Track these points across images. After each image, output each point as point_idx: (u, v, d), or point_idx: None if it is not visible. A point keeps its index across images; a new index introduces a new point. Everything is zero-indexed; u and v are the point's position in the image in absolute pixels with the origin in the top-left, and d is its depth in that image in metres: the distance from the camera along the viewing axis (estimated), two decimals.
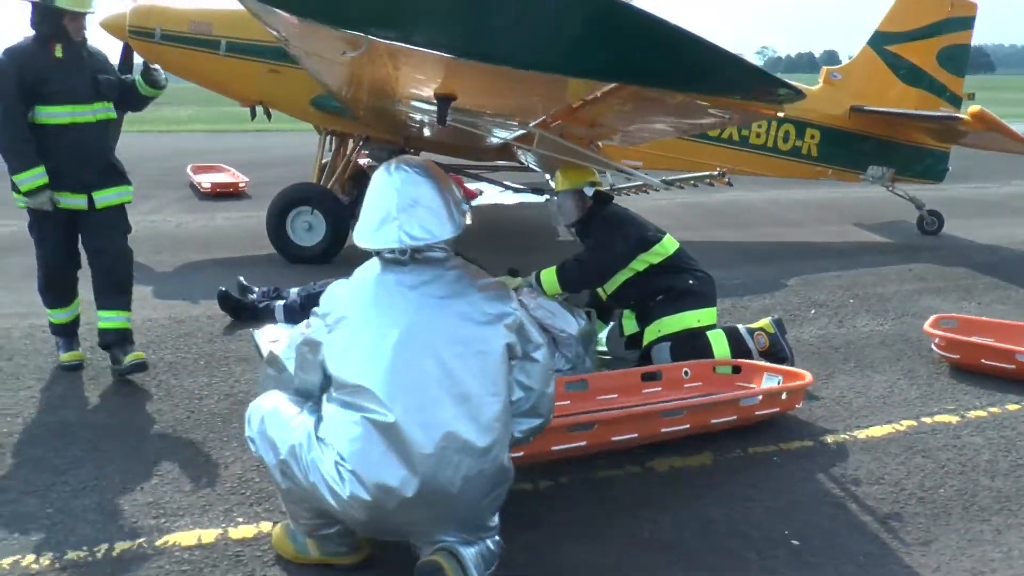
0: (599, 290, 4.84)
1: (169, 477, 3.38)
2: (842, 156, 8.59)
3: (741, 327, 4.66)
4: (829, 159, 8.62)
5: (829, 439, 3.88)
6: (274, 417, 2.62)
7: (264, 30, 7.22)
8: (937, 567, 2.86)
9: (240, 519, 3.06)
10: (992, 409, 4.24)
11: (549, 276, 4.61)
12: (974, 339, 4.76)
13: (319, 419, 2.53)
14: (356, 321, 2.51)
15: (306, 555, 2.72)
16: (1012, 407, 4.27)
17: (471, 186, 10.54)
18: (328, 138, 8.14)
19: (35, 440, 3.69)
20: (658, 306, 4.64)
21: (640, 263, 4.63)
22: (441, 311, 2.51)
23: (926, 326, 4.91)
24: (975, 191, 12.81)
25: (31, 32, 4.28)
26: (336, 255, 7.16)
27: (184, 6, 7.47)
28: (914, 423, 4.07)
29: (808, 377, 4.03)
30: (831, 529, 3.10)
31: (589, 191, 4.76)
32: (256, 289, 5.77)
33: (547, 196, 4.95)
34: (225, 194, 10.66)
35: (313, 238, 7.17)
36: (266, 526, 2.99)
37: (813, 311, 5.98)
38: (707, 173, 7.37)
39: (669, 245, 4.68)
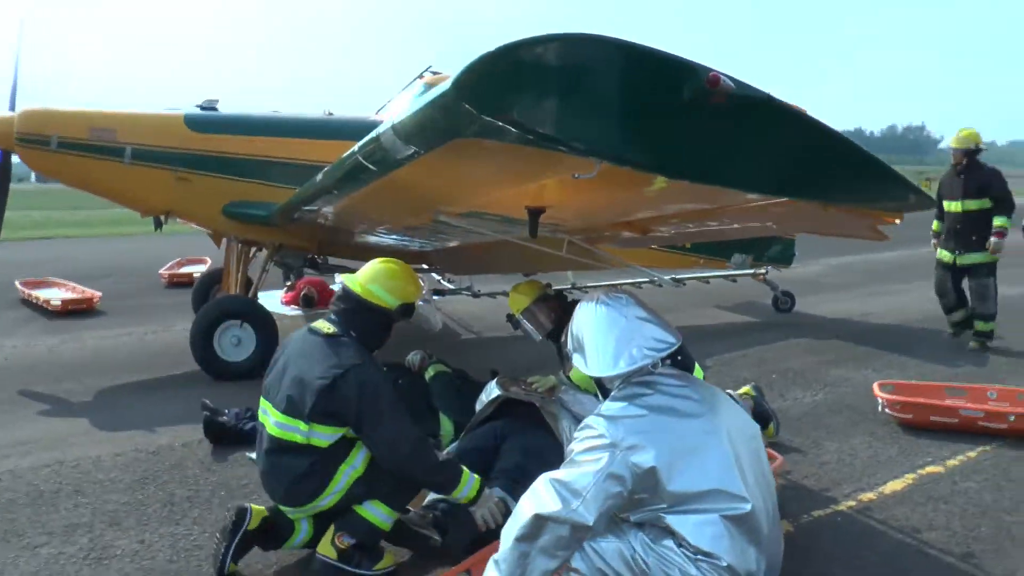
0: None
1: None
2: (712, 246, 9.55)
3: (731, 392, 5.12)
4: (700, 249, 9.55)
5: (863, 496, 4.37)
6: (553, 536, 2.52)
7: (171, 136, 7.08)
8: None
9: None
10: (959, 458, 4.97)
11: (578, 374, 4.80)
12: (922, 400, 5.54)
13: (644, 530, 2.59)
14: (670, 439, 2.58)
15: None
16: (971, 454, 5.02)
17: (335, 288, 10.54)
18: (239, 247, 7.82)
19: None
20: None
21: None
22: (730, 409, 2.69)
23: (876, 391, 5.65)
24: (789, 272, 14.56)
25: None
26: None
27: (78, 109, 6.99)
28: (914, 476, 4.67)
29: None
30: (931, 569, 3.54)
31: (543, 300, 5.05)
32: (226, 411, 5.42)
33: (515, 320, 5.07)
34: (78, 311, 9.73)
35: (242, 353, 6.83)
36: None
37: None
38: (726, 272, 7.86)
39: None
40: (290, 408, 3.47)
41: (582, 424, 2.70)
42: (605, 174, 2.70)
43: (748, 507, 2.54)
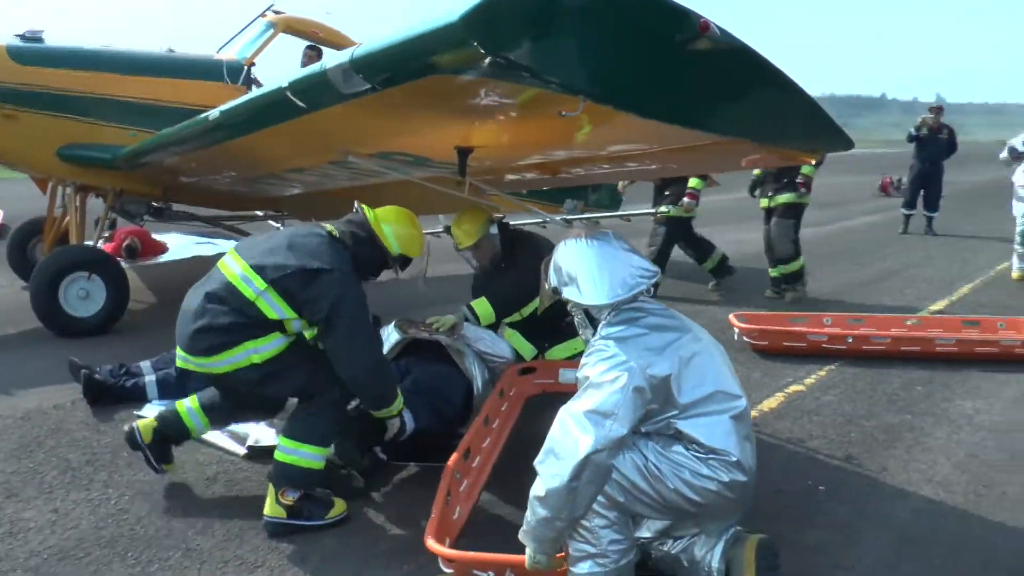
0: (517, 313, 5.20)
1: None
2: (548, 192, 9.79)
3: None
4: (536, 195, 9.78)
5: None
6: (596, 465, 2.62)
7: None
8: (905, 477, 3.96)
9: None
10: (814, 376, 5.61)
11: (484, 307, 4.85)
12: (776, 327, 6.16)
13: (653, 439, 2.76)
14: (673, 354, 2.75)
15: None
16: (822, 373, 5.69)
17: (160, 238, 9.90)
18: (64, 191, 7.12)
19: None
20: (569, 326, 5.15)
21: None
22: (696, 324, 2.98)
23: (733, 321, 6.21)
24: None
25: None
26: (116, 323, 6.39)
27: None
28: (783, 394, 5.24)
29: None
30: (824, 471, 4.05)
31: (494, 229, 5.14)
32: (98, 369, 5.02)
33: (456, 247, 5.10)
34: None
35: (90, 307, 6.29)
36: None
37: None
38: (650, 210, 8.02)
39: None
40: (260, 264, 3.46)
41: (589, 350, 2.83)
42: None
43: (744, 403, 2.82)
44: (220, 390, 3.80)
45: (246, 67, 7.32)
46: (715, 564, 2.85)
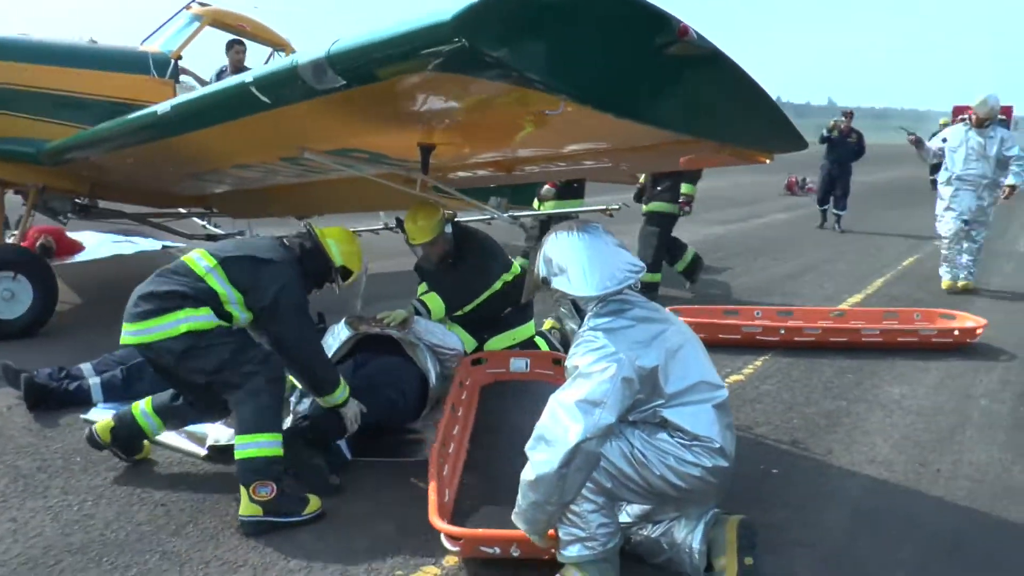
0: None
1: None
2: (476, 191, 9.82)
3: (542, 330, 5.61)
4: (465, 193, 9.83)
5: None
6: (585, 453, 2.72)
7: None
8: (850, 458, 4.21)
9: None
10: (751, 367, 5.86)
11: (435, 302, 4.90)
12: (712, 320, 6.40)
13: (639, 427, 2.87)
14: (659, 345, 2.86)
15: None
16: (758, 363, 5.95)
17: (75, 237, 9.51)
18: None
19: None
20: (507, 318, 5.29)
21: (501, 282, 5.22)
22: (682, 325, 3.10)
23: None
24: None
25: None
26: (44, 326, 6.13)
27: None
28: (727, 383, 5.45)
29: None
30: (774, 455, 4.26)
31: (449, 227, 5.19)
32: (35, 372, 4.82)
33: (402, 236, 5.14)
34: None
35: (16, 309, 6.00)
36: None
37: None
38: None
39: (516, 265, 5.39)
40: (215, 250, 3.80)
41: (577, 340, 2.91)
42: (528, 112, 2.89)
43: (724, 394, 2.96)
44: (162, 376, 3.86)
45: (173, 60, 7.13)
46: (696, 545, 2.98)
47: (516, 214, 7.46)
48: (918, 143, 9.29)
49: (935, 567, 3.27)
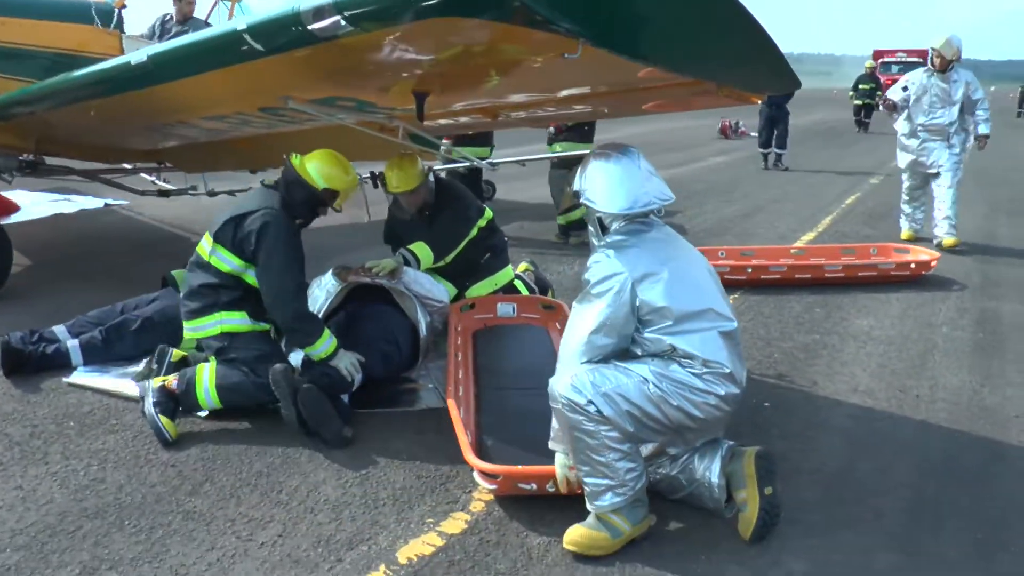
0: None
1: None
2: (427, 139, 9.70)
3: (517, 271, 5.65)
4: (416, 140, 9.65)
5: None
6: (603, 377, 2.87)
7: None
8: (834, 388, 4.41)
9: None
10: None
11: (424, 251, 4.88)
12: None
13: (648, 357, 2.96)
14: (670, 268, 2.96)
15: (621, 536, 2.93)
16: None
17: (9, 196, 9.06)
18: None
19: None
20: (487, 264, 5.32)
21: (476, 228, 5.22)
22: (695, 251, 3.23)
23: None
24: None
25: None
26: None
27: None
28: None
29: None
30: (764, 390, 4.42)
31: (431, 176, 5.15)
32: (8, 336, 4.63)
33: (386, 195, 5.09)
34: None
35: None
36: None
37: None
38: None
39: (488, 211, 5.38)
40: (210, 228, 4.04)
41: (593, 259, 3.02)
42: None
43: (735, 325, 3.04)
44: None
45: (117, 9, 6.78)
46: (715, 479, 3.06)
47: (524, 159, 7.39)
48: (893, 107, 8.21)
49: (932, 485, 3.46)
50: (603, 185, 3.09)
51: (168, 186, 8.30)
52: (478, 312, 5.10)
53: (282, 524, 3.08)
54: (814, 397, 4.37)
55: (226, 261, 3.95)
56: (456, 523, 3.10)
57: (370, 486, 3.37)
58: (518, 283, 5.47)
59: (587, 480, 2.94)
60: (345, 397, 4.02)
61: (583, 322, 2.96)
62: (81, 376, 4.40)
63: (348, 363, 3.92)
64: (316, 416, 3.69)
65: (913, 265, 6.59)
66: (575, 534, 2.93)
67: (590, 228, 3.25)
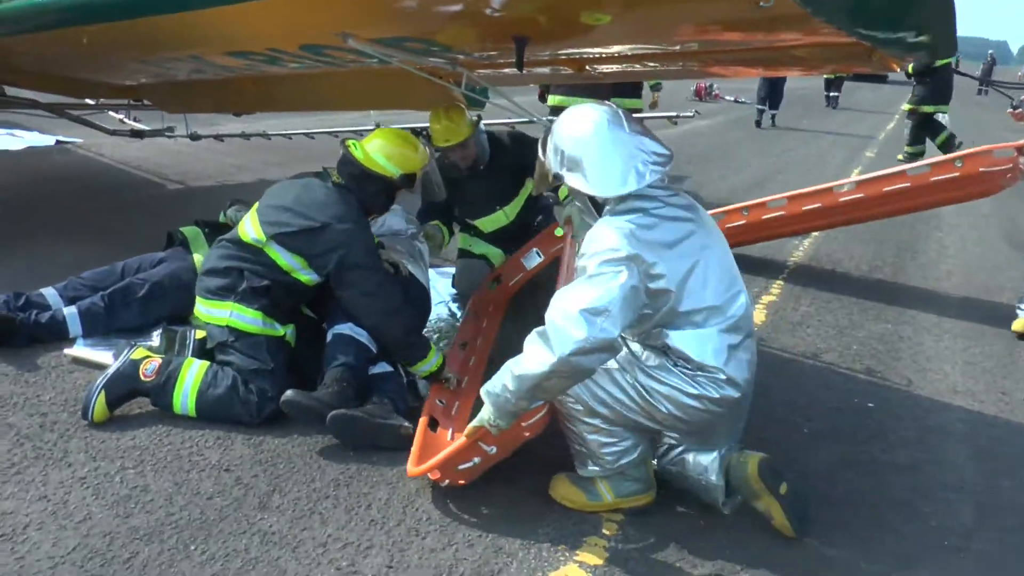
0: (503, 215, 4.77)
1: None
2: None
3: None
4: None
5: None
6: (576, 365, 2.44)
7: None
8: (933, 388, 4.05)
9: None
10: (775, 287, 5.62)
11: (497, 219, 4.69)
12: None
13: (639, 351, 2.65)
14: (681, 251, 2.56)
15: (599, 502, 2.79)
16: (779, 281, 5.70)
17: None
18: None
19: None
20: (540, 224, 4.81)
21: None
22: (708, 216, 2.78)
23: None
24: None
25: None
26: None
27: None
28: (762, 307, 5.18)
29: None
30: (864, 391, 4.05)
31: (482, 127, 4.57)
32: None
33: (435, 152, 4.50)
34: None
35: None
36: None
37: None
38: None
39: None
40: (265, 219, 3.46)
41: (590, 236, 2.56)
42: None
43: (741, 311, 2.64)
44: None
45: None
46: (713, 479, 2.75)
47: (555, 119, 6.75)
48: None
49: None
50: (591, 160, 2.58)
51: (141, 126, 7.47)
52: (507, 277, 4.63)
53: (387, 551, 2.55)
54: (915, 397, 4.01)
55: (288, 258, 3.42)
56: (594, 550, 2.63)
57: (473, 499, 2.85)
58: None
59: (570, 445, 2.82)
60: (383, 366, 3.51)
61: (578, 299, 2.43)
62: (84, 350, 3.73)
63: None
64: (358, 437, 3.12)
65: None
66: (558, 482, 2.86)
67: (578, 206, 2.82)
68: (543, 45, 3.42)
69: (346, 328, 3.43)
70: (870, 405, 3.86)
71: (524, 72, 3.67)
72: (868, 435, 3.55)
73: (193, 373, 3.27)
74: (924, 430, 3.65)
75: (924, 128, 10.55)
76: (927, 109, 10.41)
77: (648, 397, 2.61)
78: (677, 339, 2.57)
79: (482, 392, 2.60)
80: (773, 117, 15.47)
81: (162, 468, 2.90)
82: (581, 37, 3.40)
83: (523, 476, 2.95)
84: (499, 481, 2.91)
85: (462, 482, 2.82)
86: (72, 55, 4.96)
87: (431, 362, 3.41)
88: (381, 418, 3.15)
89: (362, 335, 3.44)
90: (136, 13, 3.70)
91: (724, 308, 2.61)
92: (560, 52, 3.67)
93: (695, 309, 2.56)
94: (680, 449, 2.81)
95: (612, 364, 2.61)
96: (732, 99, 20.33)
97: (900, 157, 10.76)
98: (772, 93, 15.26)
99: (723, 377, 2.57)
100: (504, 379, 2.50)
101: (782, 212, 5.75)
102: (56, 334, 3.80)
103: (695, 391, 2.57)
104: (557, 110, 7.49)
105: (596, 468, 2.75)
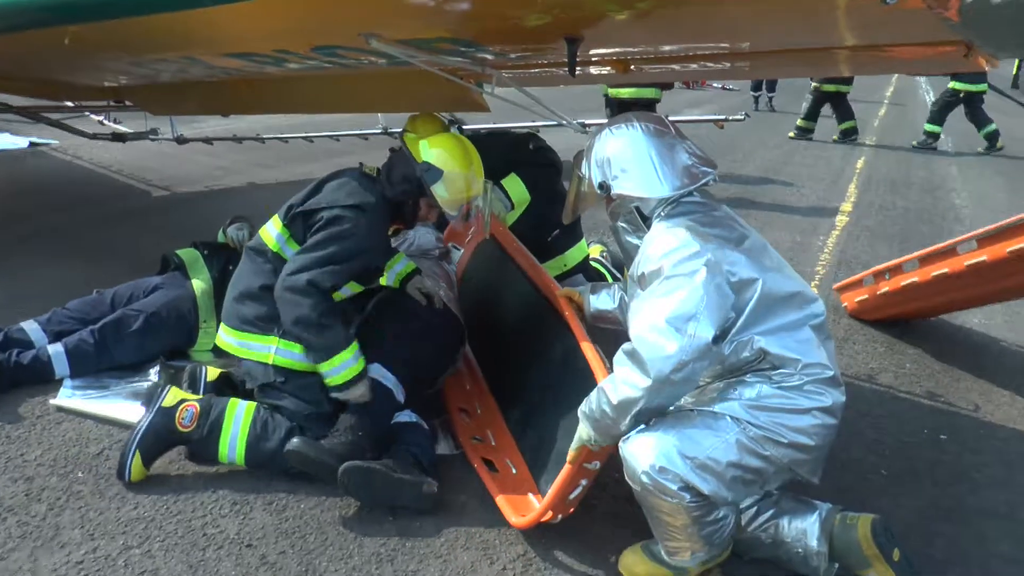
0: None
1: None
2: None
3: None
4: None
5: None
6: (690, 441, 2.28)
7: None
8: (1003, 413, 3.74)
9: None
10: None
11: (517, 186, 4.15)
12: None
13: (728, 390, 2.37)
14: (748, 249, 2.42)
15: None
16: None
17: None
18: None
19: None
20: (555, 242, 4.31)
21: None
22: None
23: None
24: None
25: None
26: None
27: None
28: None
29: None
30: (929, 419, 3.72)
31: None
32: None
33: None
34: None
35: None
36: None
37: None
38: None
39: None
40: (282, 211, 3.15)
41: (648, 243, 2.44)
42: None
43: (822, 307, 2.47)
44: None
45: None
46: (814, 545, 2.46)
47: (589, 122, 6.31)
48: None
49: None
50: (640, 165, 2.50)
51: (124, 128, 6.99)
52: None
53: None
54: (987, 426, 3.69)
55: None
56: None
57: (537, 569, 2.48)
58: (596, 265, 4.57)
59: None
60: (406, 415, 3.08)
61: (661, 308, 2.23)
62: (74, 398, 3.31)
63: (358, 395, 2.91)
64: (376, 494, 2.71)
65: None
66: (634, 561, 2.50)
67: (621, 224, 2.59)
68: (597, 44, 3.03)
69: (371, 369, 3.03)
70: (943, 437, 3.54)
71: (577, 74, 3.29)
72: (951, 475, 3.22)
73: (240, 418, 2.88)
74: (1008, 467, 3.33)
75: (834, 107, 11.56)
76: (828, 88, 11.27)
77: (765, 434, 2.31)
78: (773, 343, 2.34)
79: (580, 414, 2.39)
80: (771, 99, 15.42)
81: (172, 546, 2.51)
82: (643, 35, 3.02)
83: (586, 537, 2.59)
84: (559, 533, 2.56)
85: (571, 511, 2.60)
86: (55, 56, 4.51)
87: (337, 369, 2.87)
88: (402, 473, 2.74)
89: (388, 379, 3.03)
90: (136, 12, 3.28)
91: (807, 296, 2.44)
92: (615, 52, 3.28)
93: (787, 294, 2.38)
94: (770, 513, 2.50)
95: (718, 425, 2.32)
96: (720, 86, 19.96)
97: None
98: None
99: (830, 375, 2.36)
100: (601, 403, 2.30)
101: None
102: (40, 376, 3.39)
103: (809, 404, 2.33)
104: (625, 104, 7.22)
105: (700, 555, 2.41)
